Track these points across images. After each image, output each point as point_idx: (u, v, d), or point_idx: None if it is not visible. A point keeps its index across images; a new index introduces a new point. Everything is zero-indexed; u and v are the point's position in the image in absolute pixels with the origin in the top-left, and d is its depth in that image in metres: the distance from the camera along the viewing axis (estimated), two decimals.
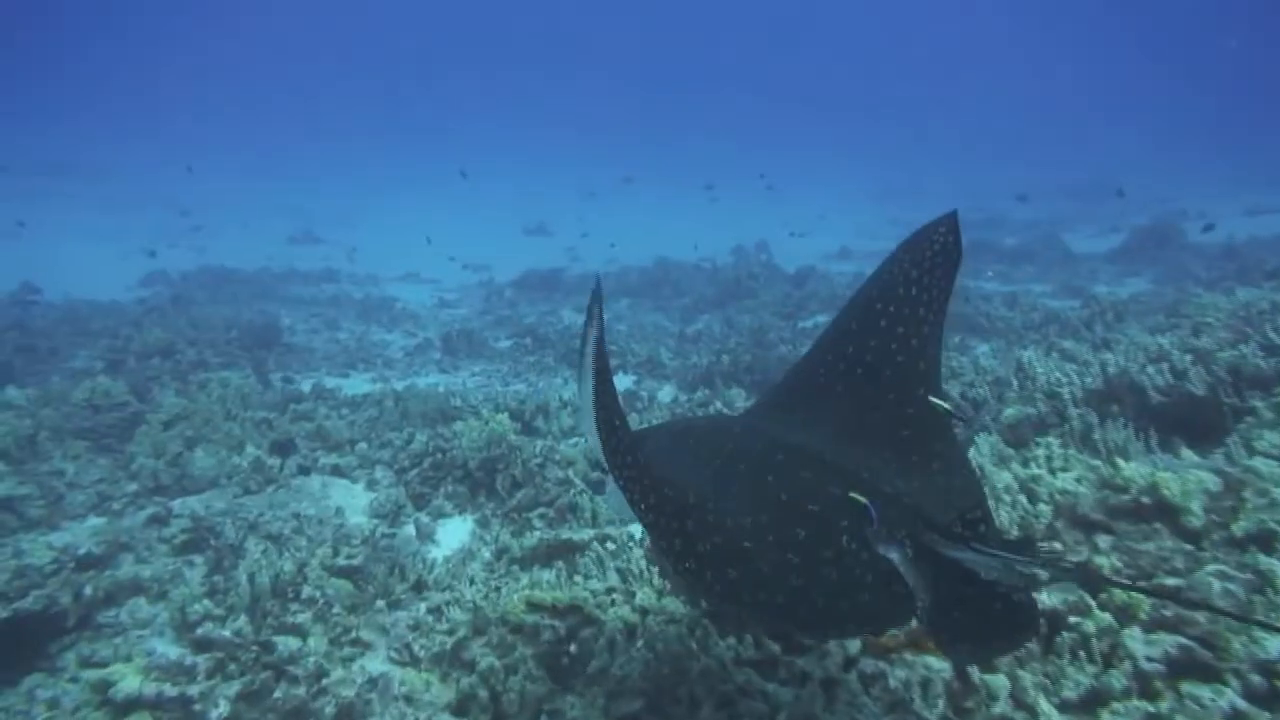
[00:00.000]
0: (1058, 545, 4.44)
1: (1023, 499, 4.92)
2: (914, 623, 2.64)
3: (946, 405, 2.97)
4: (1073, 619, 3.91)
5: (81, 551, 6.38)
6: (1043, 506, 4.79)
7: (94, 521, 7.37)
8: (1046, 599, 4.05)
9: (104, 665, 5.43)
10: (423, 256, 25.17)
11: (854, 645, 3.93)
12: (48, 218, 33.90)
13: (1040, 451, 5.57)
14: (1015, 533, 4.69)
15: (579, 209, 29.31)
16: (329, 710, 4.15)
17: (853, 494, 2.72)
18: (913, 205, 38.13)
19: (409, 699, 3.97)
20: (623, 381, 12.97)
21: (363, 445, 8.56)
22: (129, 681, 4.17)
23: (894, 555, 2.62)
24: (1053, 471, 5.32)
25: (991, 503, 4.99)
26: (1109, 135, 59.56)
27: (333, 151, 59.69)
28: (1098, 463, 5.14)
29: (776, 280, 20.12)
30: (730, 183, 36.06)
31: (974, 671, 3.71)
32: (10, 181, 38.92)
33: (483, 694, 3.83)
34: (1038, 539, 4.49)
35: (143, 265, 23.90)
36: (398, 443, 8.49)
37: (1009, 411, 6.97)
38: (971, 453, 6.18)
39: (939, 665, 3.82)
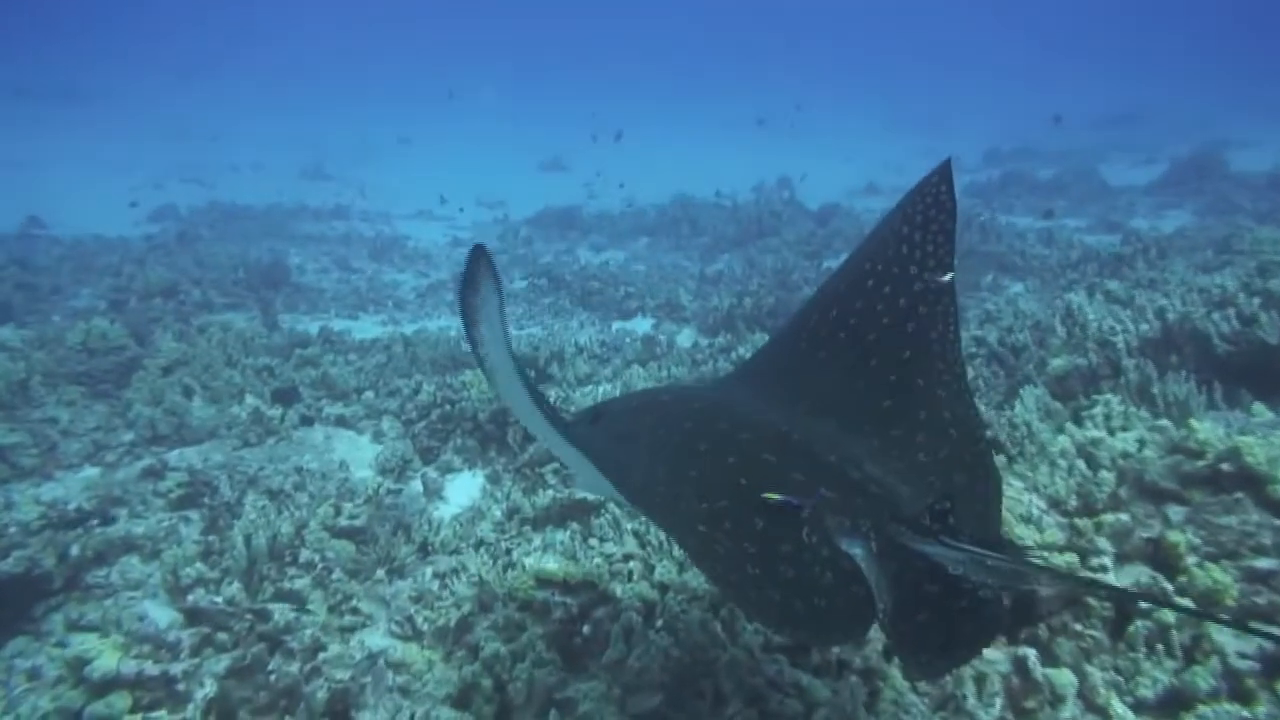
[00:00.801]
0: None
1: (1081, 464, 4.46)
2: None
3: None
4: (1147, 605, 3.49)
5: (71, 507, 6.07)
6: (1105, 474, 4.32)
7: (89, 472, 7.05)
8: (1114, 580, 3.63)
9: (92, 629, 5.16)
10: (435, 195, 24.54)
11: None
12: (56, 146, 33.45)
13: (1098, 410, 5.09)
14: (1074, 503, 4.24)
15: (598, 138, 28.26)
16: (320, 695, 3.80)
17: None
18: (944, 136, 36.87)
19: (405, 690, 3.62)
20: (641, 324, 12.52)
21: (369, 394, 8.17)
22: (105, 660, 3.84)
23: (856, 551, 2.46)
24: (1112, 432, 4.85)
25: (1045, 469, 4.54)
26: (1145, 62, 57.39)
27: (342, 80, 58.40)
28: (1165, 423, 4.66)
29: (799, 218, 19.42)
30: (754, 116, 34.88)
31: (1035, 666, 3.31)
32: (21, 107, 38.33)
33: (486, 683, 3.46)
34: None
35: (152, 199, 23.41)
36: (406, 391, 8.10)
37: (1056, 362, 6.47)
38: (1017, 407, 5.72)
39: (995, 656, 3.41)
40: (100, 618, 5.17)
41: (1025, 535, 3.70)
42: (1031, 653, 3.32)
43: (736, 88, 54.65)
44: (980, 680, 3.29)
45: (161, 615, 5.12)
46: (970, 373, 7.14)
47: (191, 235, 18.73)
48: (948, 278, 3.01)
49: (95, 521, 6.05)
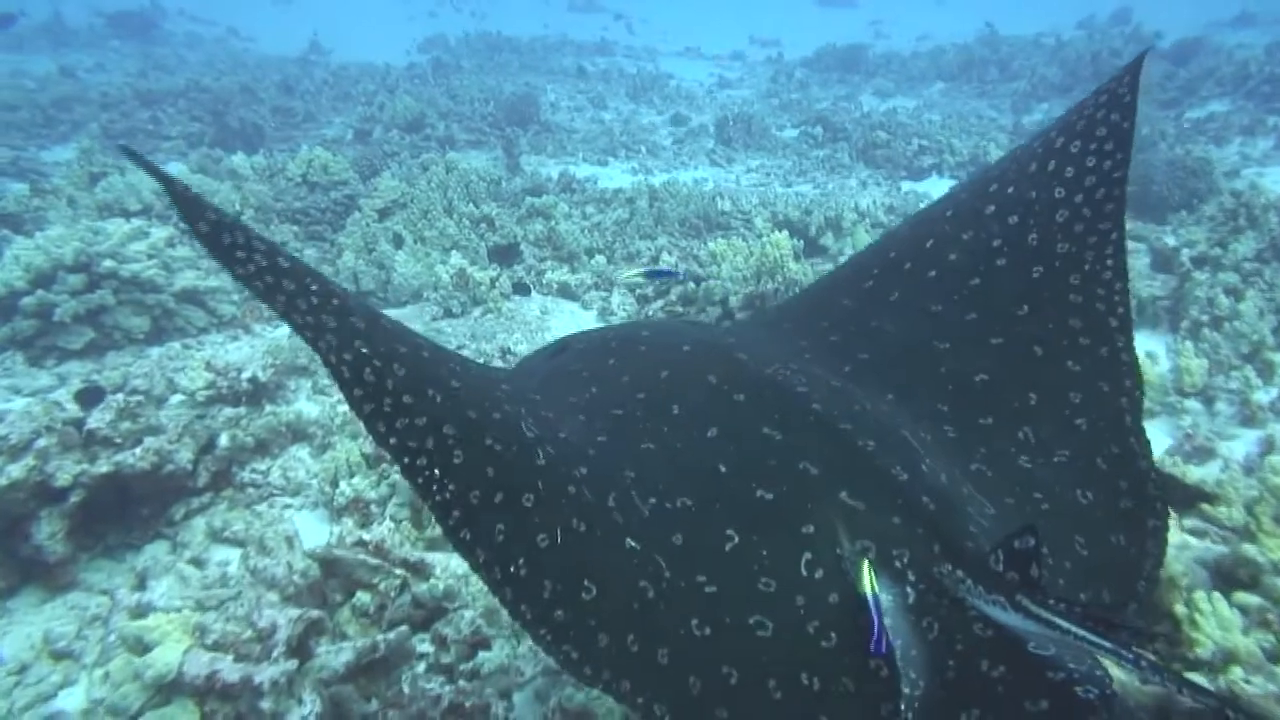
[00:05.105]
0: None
1: None
2: None
3: None
4: None
5: (245, 375, 5.08)
6: None
7: (282, 331, 6.15)
8: None
9: (237, 543, 4.16)
10: (707, 29, 22.34)
11: None
12: None
13: None
14: None
15: None
16: None
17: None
18: None
19: None
20: (936, 187, 10.13)
21: (600, 259, 6.66)
22: (168, 650, 2.65)
23: (884, 598, 1.57)
24: None
25: None
26: None
27: None
28: None
29: (1147, 57, 15.45)
30: None
31: None
32: None
33: None
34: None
35: (425, 28, 23.11)
36: (645, 258, 6.54)
37: None
38: None
39: None
40: (244, 529, 4.19)
41: None
42: None
43: None
44: None
45: (315, 534, 4.05)
46: None
47: (450, 66, 17.96)
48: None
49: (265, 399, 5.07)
